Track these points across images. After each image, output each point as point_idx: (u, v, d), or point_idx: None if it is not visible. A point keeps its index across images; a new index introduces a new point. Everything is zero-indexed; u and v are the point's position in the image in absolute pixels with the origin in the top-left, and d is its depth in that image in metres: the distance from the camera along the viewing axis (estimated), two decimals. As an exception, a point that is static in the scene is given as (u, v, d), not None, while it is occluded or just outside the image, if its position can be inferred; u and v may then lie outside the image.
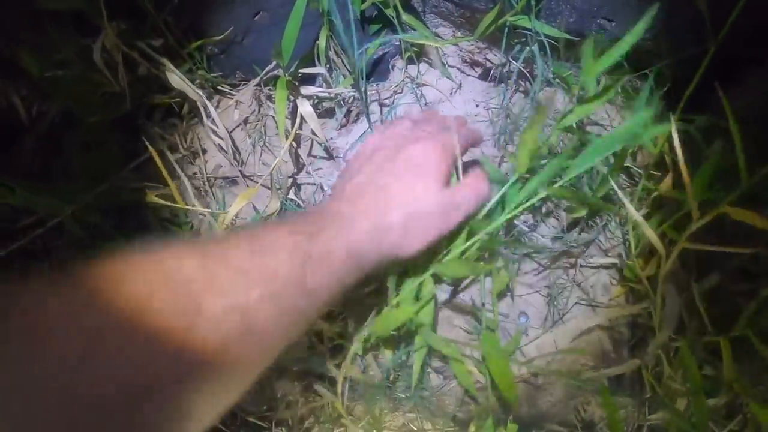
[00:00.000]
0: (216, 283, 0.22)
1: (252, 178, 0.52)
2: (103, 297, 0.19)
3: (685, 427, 0.43)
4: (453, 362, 0.44)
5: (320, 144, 0.51)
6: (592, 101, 0.33)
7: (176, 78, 0.49)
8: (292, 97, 0.49)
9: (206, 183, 0.53)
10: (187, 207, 0.48)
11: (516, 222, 0.47)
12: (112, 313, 0.18)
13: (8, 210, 0.50)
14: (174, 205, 0.48)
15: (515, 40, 0.49)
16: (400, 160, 0.35)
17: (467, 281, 0.48)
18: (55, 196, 0.50)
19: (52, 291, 0.19)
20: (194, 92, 0.48)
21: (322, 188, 0.51)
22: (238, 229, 0.28)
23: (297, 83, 0.49)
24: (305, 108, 0.47)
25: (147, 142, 0.51)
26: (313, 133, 0.48)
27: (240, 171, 0.51)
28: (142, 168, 0.55)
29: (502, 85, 0.54)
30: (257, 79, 0.51)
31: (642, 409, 0.52)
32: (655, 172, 0.47)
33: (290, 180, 0.51)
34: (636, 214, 0.41)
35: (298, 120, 0.47)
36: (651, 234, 0.46)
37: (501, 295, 0.50)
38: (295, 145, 0.50)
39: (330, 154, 0.52)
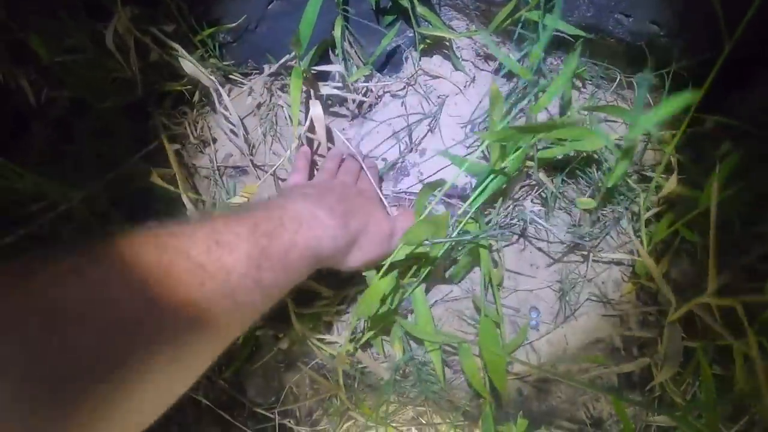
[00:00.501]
0: (173, 274, 0.22)
1: (262, 167, 0.52)
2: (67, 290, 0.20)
3: (695, 429, 0.42)
4: (462, 356, 0.44)
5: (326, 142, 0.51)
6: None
7: (189, 64, 0.48)
8: (305, 89, 0.49)
9: (216, 172, 0.52)
10: (196, 197, 0.47)
11: (527, 211, 0.47)
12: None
13: (18, 196, 0.49)
14: (180, 192, 0.47)
15: (530, 35, 0.49)
16: (357, 189, 0.42)
17: (471, 274, 0.48)
18: (65, 183, 0.49)
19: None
20: (207, 78, 0.48)
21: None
22: (207, 216, 0.28)
23: (311, 75, 0.49)
24: (316, 110, 0.47)
25: (157, 130, 0.51)
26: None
27: (251, 160, 0.51)
28: (152, 155, 0.54)
29: (515, 79, 0.54)
30: (273, 68, 0.50)
31: (651, 408, 0.52)
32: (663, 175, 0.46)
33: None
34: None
35: (308, 122, 0.47)
36: (664, 232, 0.46)
37: (510, 290, 0.49)
38: (308, 136, 0.49)
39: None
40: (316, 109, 0.47)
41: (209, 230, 0.26)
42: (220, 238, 0.26)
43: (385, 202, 0.47)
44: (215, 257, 0.25)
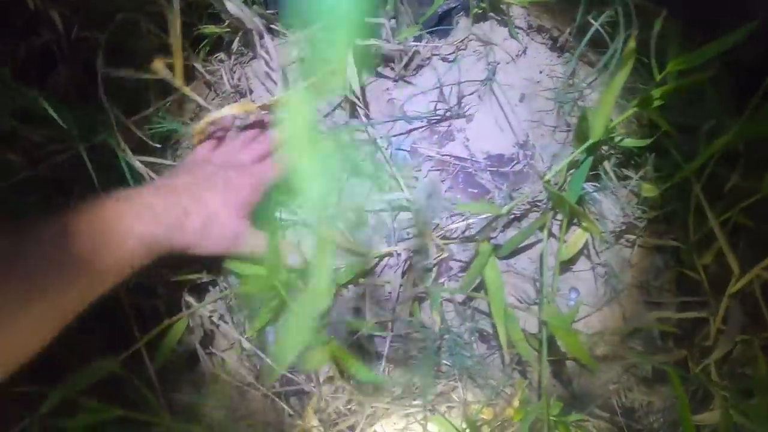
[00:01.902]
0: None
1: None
2: None
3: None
4: (510, 329, 0.41)
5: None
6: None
7: (233, 5, 0.45)
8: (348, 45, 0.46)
9: (252, 124, 0.49)
10: None
11: (586, 187, 0.45)
12: None
13: (40, 134, 0.46)
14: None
15: (595, 7, 0.47)
16: (219, 178, 0.41)
17: (525, 245, 0.46)
18: (87, 121, 0.46)
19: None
20: (251, 21, 0.45)
21: (384, 150, 0.47)
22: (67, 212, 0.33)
23: (358, 32, 0.46)
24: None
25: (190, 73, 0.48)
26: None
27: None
28: (182, 103, 0.52)
29: (568, 54, 0.52)
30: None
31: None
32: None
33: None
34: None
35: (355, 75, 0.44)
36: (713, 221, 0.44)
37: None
38: (351, 94, 0.47)
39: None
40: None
41: (58, 223, 0.32)
42: (66, 228, 0.32)
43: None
44: (61, 243, 0.32)
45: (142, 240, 0.35)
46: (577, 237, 0.44)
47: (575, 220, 0.46)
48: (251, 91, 0.51)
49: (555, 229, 0.47)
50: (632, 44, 0.38)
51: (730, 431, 0.42)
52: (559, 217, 0.46)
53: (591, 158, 0.42)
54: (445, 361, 0.45)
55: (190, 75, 0.51)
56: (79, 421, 0.39)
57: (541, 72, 0.52)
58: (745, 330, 0.45)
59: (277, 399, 0.46)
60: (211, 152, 0.46)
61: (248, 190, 0.41)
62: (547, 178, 0.44)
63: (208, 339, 0.47)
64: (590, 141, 0.42)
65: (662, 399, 0.50)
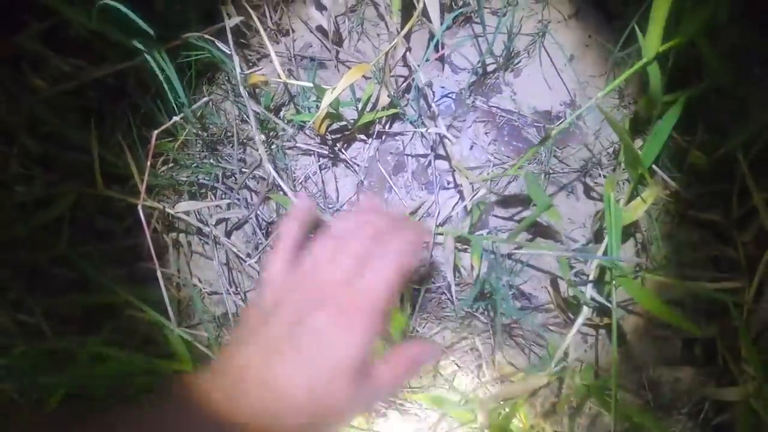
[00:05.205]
0: None
1: (346, 63, 0.48)
2: None
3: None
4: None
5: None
6: None
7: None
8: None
9: (293, 60, 0.48)
10: (286, 81, 0.42)
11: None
12: None
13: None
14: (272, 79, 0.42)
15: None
16: (302, 335, 0.25)
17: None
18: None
19: None
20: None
21: (429, 95, 0.46)
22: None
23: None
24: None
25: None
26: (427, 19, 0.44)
27: (337, 50, 0.46)
28: (222, 33, 0.50)
29: (619, 21, 0.51)
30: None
31: (708, 382, 0.49)
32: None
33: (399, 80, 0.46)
34: None
35: (420, 5, 0.42)
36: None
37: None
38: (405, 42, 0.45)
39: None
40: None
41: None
42: None
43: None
44: None
45: None
46: (638, 204, 0.43)
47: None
48: (293, 31, 0.49)
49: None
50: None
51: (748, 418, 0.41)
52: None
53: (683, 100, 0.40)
54: (479, 315, 0.43)
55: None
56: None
57: (590, 36, 0.51)
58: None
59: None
60: (287, 284, 0.28)
61: (360, 323, 0.25)
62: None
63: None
64: (644, 60, 0.40)
65: (689, 377, 0.49)
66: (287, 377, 0.24)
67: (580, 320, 0.43)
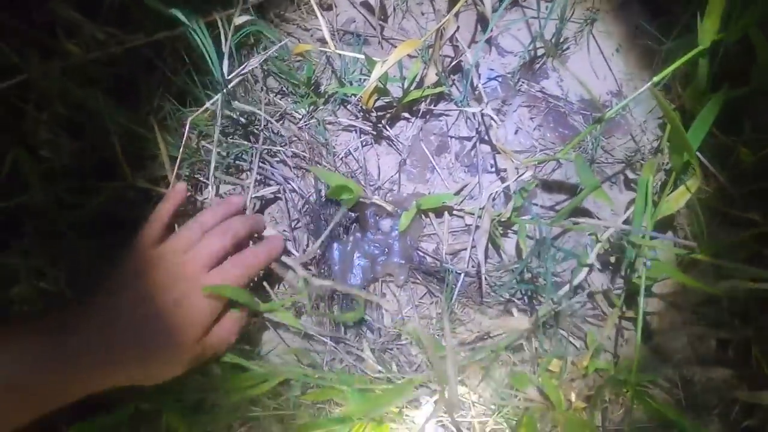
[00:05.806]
0: None
1: (389, 41, 0.47)
2: None
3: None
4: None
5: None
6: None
7: None
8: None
9: (336, 35, 0.47)
10: (335, 51, 0.41)
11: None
12: None
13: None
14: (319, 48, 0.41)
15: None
16: (162, 300, 0.33)
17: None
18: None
19: None
20: None
21: (476, 77, 0.45)
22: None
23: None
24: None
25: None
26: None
27: (381, 26, 0.45)
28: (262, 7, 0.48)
29: (665, 17, 0.50)
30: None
31: (741, 383, 0.48)
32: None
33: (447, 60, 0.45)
34: None
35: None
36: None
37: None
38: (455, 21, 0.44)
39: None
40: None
41: None
42: None
43: None
44: None
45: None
46: (681, 193, 0.42)
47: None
48: (336, 6, 0.48)
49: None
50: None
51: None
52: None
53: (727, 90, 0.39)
54: (516, 300, 0.42)
55: None
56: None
57: (637, 28, 0.50)
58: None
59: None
60: (151, 256, 0.36)
61: (204, 301, 0.34)
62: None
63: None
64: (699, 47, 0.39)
65: (722, 377, 0.49)
66: (129, 344, 0.32)
67: (616, 313, 0.43)
